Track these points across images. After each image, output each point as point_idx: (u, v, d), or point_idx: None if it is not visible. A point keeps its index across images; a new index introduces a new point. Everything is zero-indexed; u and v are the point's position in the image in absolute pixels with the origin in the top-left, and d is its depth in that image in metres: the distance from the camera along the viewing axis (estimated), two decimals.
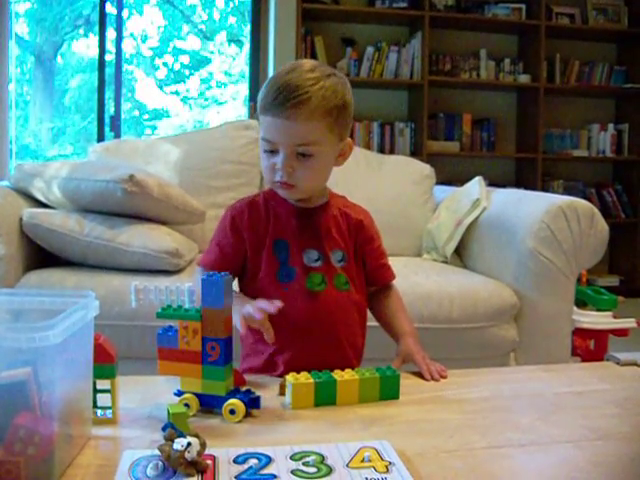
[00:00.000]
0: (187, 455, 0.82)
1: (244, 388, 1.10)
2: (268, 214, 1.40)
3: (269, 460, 0.86)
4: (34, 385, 0.81)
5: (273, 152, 1.30)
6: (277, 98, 1.26)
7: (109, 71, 5.11)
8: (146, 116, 6.70)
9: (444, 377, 1.31)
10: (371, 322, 2.16)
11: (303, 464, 0.85)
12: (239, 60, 6.32)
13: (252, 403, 1.06)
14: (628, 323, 2.67)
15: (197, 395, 1.06)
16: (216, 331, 1.04)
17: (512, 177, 5.59)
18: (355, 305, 1.43)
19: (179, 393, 1.07)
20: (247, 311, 1.17)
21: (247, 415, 1.05)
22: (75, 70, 6.19)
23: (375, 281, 1.51)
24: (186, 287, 1.08)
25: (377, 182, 2.96)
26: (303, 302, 1.35)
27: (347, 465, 0.85)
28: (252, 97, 5.36)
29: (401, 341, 1.41)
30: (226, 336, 1.05)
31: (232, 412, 1.04)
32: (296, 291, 1.35)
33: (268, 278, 1.37)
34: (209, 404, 1.06)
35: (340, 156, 1.38)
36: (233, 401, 1.04)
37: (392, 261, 2.59)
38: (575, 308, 2.46)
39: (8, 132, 4.83)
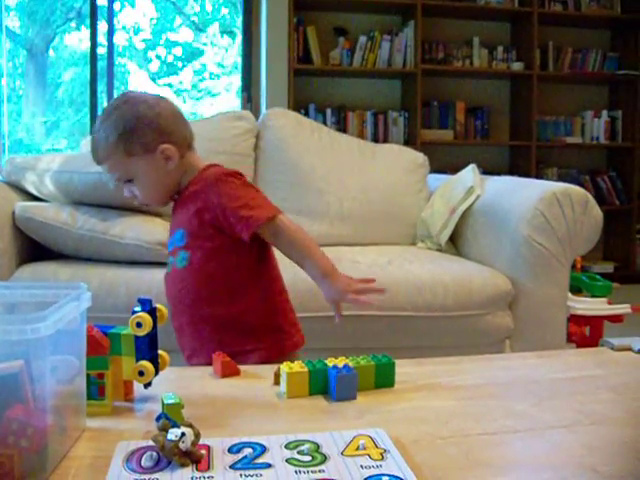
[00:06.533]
0: (181, 445, 0.82)
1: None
2: None
3: (264, 449, 0.86)
4: (27, 377, 0.80)
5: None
6: None
7: (101, 64, 5.09)
8: None
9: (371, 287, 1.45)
10: (366, 312, 2.17)
11: (298, 453, 0.85)
12: (232, 51, 6.28)
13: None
14: (623, 309, 2.68)
15: None
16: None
17: (506, 165, 5.60)
18: (205, 278, 1.51)
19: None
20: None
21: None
22: (68, 63, 6.15)
23: (242, 235, 1.48)
24: None
25: (371, 171, 2.96)
26: (166, 282, 1.61)
27: (342, 453, 0.85)
28: (245, 88, 5.35)
29: (321, 287, 1.46)
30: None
31: (141, 374, 1.04)
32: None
33: None
34: None
35: (167, 160, 1.53)
36: (142, 363, 1.04)
37: (386, 250, 2.60)
38: (570, 295, 2.46)
39: (1, 127, 4.82)
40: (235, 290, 1.52)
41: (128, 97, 1.56)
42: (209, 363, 1.35)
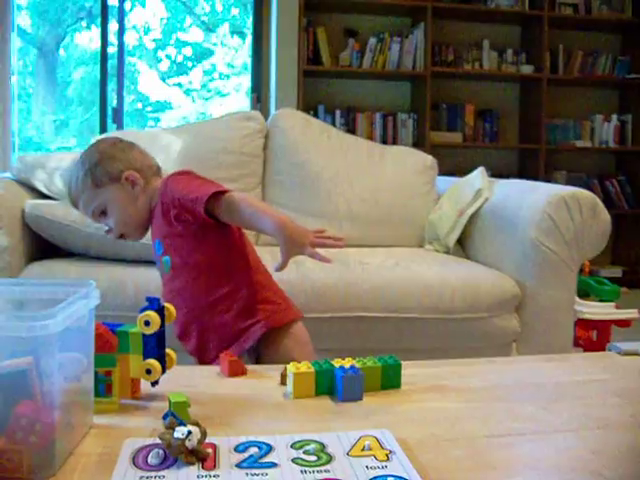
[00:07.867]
0: (188, 443, 0.82)
1: None
2: None
3: (270, 448, 0.86)
4: (35, 374, 0.81)
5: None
6: None
7: (112, 63, 5.11)
8: (149, 108, 6.68)
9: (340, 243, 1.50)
10: (374, 314, 2.17)
11: (304, 452, 0.85)
12: (242, 52, 6.29)
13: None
14: (630, 314, 2.67)
15: None
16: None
17: (515, 168, 5.59)
18: (192, 269, 1.59)
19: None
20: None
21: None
22: (78, 62, 6.17)
23: (199, 213, 1.52)
24: None
25: (379, 173, 2.96)
26: (164, 294, 1.66)
27: (347, 454, 0.85)
28: (254, 89, 5.36)
29: (279, 240, 1.47)
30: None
31: (148, 372, 1.04)
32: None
33: None
34: None
35: (133, 185, 1.64)
36: (150, 361, 1.04)
37: (394, 251, 2.60)
38: (577, 299, 2.46)
39: (11, 125, 4.83)
40: (222, 272, 1.60)
41: (92, 143, 1.76)
42: (223, 349, 1.36)
